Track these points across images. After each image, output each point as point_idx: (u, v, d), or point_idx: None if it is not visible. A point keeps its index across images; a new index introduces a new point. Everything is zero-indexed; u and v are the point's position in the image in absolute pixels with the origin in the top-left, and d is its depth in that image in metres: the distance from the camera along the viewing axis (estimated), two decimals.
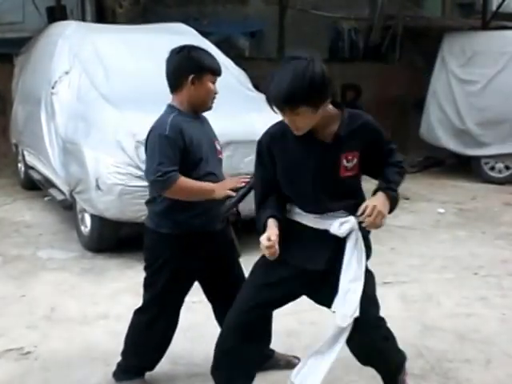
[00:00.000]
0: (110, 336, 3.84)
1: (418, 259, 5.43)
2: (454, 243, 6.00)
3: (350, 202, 2.67)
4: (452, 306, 4.43)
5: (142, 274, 3.21)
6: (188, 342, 3.73)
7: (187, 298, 3.25)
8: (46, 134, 6.37)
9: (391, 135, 3.26)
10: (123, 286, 4.68)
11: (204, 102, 3.07)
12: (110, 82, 6.00)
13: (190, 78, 2.99)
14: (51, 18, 10.09)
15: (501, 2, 11.28)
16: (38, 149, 6.78)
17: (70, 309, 4.35)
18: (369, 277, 2.74)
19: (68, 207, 6.05)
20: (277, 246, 2.59)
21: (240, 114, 5.59)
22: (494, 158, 8.91)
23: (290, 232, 2.74)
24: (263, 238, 2.61)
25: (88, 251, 5.57)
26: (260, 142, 2.79)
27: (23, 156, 7.83)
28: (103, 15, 11.19)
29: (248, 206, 3.13)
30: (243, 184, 3.00)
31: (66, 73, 6.27)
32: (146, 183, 4.69)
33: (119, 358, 3.31)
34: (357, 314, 2.62)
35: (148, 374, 3.31)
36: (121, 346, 3.29)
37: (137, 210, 4.89)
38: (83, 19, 10.81)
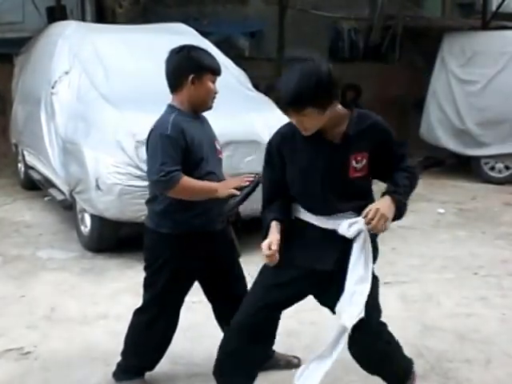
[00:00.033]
0: (110, 336, 3.84)
1: (418, 259, 5.43)
2: (453, 243, 6.00)
3: (360, 203, 2.65)
4: (452, 306, 4.43)
5: (142, 274, 3.21)
6: (188, 341, 3.73)
7: (187, 298, 3.25)
8: (45, 133, 6.37)
9: None
10: (123, 286, 4.68)
11: (204, 102, 3.07)
12: (110, 81, 6.00)
13: (190, 77, 2.99)
14: (51, 17, 10.09)
15: (501, 2, 11.27)
16: (37, 149, 6.78)
17: (70, 309, 4.35)
18: (374, 280, 2.74)
19: (68, 207, 6.04)
20: (277, 255, 2.64)
21: (240, 114, 5.59)
22: (494, 158, 8.91)
23: (300, 232, 2.75)
24: (264, 245, 2.66)
25: (88, 251, 5.57)
26: (270, 143, 2.80)
27: (23, 156, 7.83)
28: (103, 15, 11.19)
29: (248, 206, 3.14)
30: (247, 183, 3.00)
31: (66, 73, 6.27)
32: (145, 183, 4.70)
33: (119, 358, 3.31)
34: (362, 314, 2.63)
35: (148, 374, 3.31)
36: (121, 346, 3.29)
37: (137, 210, 4.89)
38: (83, 19, 10.81)
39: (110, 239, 5.58)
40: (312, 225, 2.72)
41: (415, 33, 11.62)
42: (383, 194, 2.65)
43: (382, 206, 2.57)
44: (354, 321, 2.63)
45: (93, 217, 5.43)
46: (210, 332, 3.65)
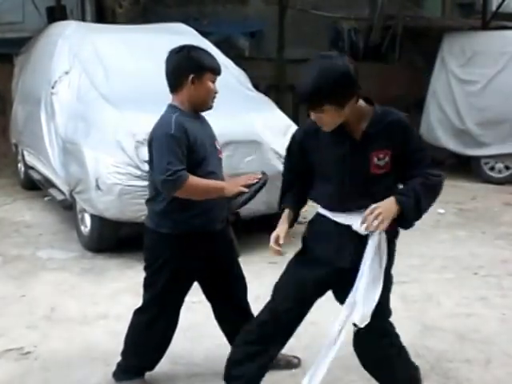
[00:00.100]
0: (110, 336, 3.84)
1: (418, 259, 5.43)
2: (454, 243, 6.00)
3: (382, 200, 2.63)
4: (452, 306, 4.43)
5: (142, 274, 3.21)
6: (188, 341, 3.74)
7: (187, 298, 3.25)
8: (45, 133, 6.37)
9: None
10: (123, 286, 4.68)
11: (204, 102, 3.07)
12: (110, 81, 6.00)
13: (190, 77, 2.99)
14: (51, 17, 10.10)
15: (501, 2, 11.28)
16: (37, 149, 6.78)
17: (70, 309, 4.35)
18: (388, 280, 2.74)
19: (68, 207, 6.04)
20: (282, 249, 2.76)
21: (240, 114, 5.59)
22: (494, 158, 8.91)
23: (322, 227, 2.78)
24: (272, 238, 2.79)
25: (88, 251, 5.57)
26: (294, 137, 2.84)
27: (23, 156, 7.83)
28: (103, 15, 11.20)
29: (248, 206, 3.14)
30: (255, 181, 3.01)
31: (66, 73, 6.27)
32: (145, 183, 4.71)
33: (119, 358, 3.31)
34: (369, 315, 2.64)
35: (148, 374, 3.31)
36: (121, 346, 3.29)
37: (136, 210, 4.89)
38: (83, 19, 10.82)
39: (110, 239, 5.58)
40: (332, 220, 2.74)
41: (415, 33, 11.63)
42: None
43: (381, 205, 2.56)
44: (366, 320, 2.64)
45: (93, 217, 5.43)
46: (210, 332, 3.66)
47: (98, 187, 5.15)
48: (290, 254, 5.77)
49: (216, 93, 3.09)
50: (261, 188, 3.03)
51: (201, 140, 3.02)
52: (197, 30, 7.27)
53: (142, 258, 3.20)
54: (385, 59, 12.03)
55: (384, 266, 2.66)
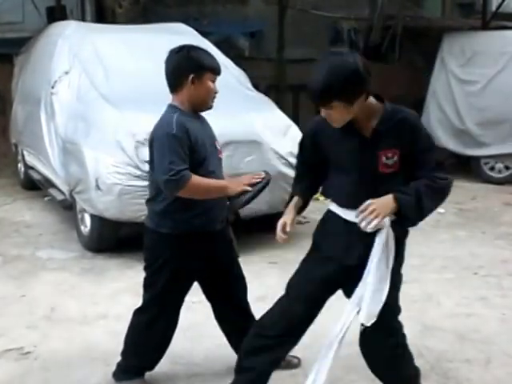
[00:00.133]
0: (109, 336, 3.84)
1: (418, 259, 5.42)
2: (453, 243, 6.00)
3: None
4: (452, 306, 4.43)
5: (142, 274, 3.21)
6: (188, 341, 3.74)
7: (187, 298, 3.25)
8: (45, 133, 6.37)
9: None
10: (123, 286, 4.68)
11: (204, 102, 3.07)
12: (110, 81, 6.00)
13: (190, 77, 2.98)
14: (51, 17, 10.10)
15: (501, 2, 11.28)
16: (37, 149, 6.78)
17: (70, 309, 4.35)
18: (397, 278, 2.75)
19: (68, 207, 6.05)
20: (286, 236, 2.83)
21: (240, 114, 5.59)
22: (494, 158, 8.90)
23: (331, 223, 2.80)
24: (279, 225, 2.85)
25: (88, 251, 5.57)
26: (306, 130, 2.87)
27: (23, 156, 7.83)
28: (103, 15, 11.20)
29: (249, 206, 3.14)
30: (259, 180, 3.01)
31: (66, 73, 6.27)
32: (145, 183, 4.71)
33: (119, 358, 3.31)
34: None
35: (148, 374, 3.31)
36: (121, 346, 3.29)
37: (136, 210, 4.89)
38: (83, 19, 10.82)
39: (110, 239, 5.58)
40: (342, 218, 2.74)
41: (415, 33, 11.62)
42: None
43: (376, 201, 2.57)
44: (373, 319, 2.65)
45: (93, 217, 5.43)
46: (210, 332, 3.66)
47: (97, 187, 5.15)
48: (289, 255, 5.78)
49: (216, 93, 3.09)
50: (264, 187, 3.04)
51: (202, 140, 3.02)
52: (197, 30, 7.27)
53: (142, 258, 3.20)
54: (385, 59, 12.02)
55: (391, 265, 2.66)
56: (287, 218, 2.86)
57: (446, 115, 9.29)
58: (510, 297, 4.64)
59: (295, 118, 6.99)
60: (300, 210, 2.94)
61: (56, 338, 3.90)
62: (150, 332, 3.19)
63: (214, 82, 3.07)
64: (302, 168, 2.96)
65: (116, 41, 6.63)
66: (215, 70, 3.07)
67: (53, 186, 6.47)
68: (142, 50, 6.26)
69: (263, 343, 2.87)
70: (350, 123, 2.61)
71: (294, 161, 5.54)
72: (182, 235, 3.04)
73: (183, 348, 3.63)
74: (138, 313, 3.25)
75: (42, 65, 6.95)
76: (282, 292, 4.75)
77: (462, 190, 8.30)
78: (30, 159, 7.36)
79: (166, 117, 3.02)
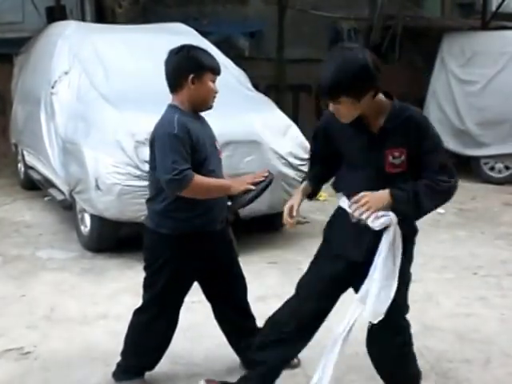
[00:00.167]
0: (109, 336, 3.84)
1: (418, 259, 5.37)
2: (453, 243, 6.01)
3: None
4: (452, 306, 4.44)
5: (142, 274, 3.21)
6: (188, 341, 3.74)
7: (187, 298, 3.25)
8: (45, 133, 6.37)
9: None
10: (123, 286, 4.68)
11: (205, 102, 3.07)
12: (110, 81, 6.01)
13: (190, 77, 2.98)
14: (51, 17, 10.09)
15: (501, 2, 11.28)
16: (37, 149, 6.79)
17: (70, 309, 4.35)
18: (406, 277, 2.77)
19: (68, 207, 6.05)
20: (293, 220, 2.84)
21: (240, 114, 5.60)
22: (494, 158, 8.91)
23: (340, 219, 2.80)
24: (286, 209, 2.85)
25: (88, 251, 5.57)
26: (319, 122, 2.89)
27: (23, 156, 7.83)
28: (103, 15, 11.18)
29: (250, 206, 3.14)
30: (262, 179, 3.02)
31: (66, 73, 6.27)
32: (145, 183, 4.71)
33: (119, 358, 3.31)
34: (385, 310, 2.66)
35: (148, 374, 3.32)
36: (121, 346, 3.29)
37: (136, 210, 4.89)
38: (83, 19, 10.81)
39: (110, 239, 5.58)
40: (347, 212, 2.75)
41: (415, 33, 11.62)
42: None
43: (370, 194, 2.58)
44: (379, 317, 2.65)
45: (93, 217, 5.43)
46: (210, 332, 3.66)
47: (97, 187, 5.16)
48: (289, 255, 5.78)
49: (216, 92, 3.09)
50: (267, 186, 3.05)
51: (202, 140, 3.02)
52: (197, 30, 7.27)
53: (142, 258, 3.20)
54: (385, 59, 12.00)
55: (398, 263, 2.66)
56: (294, 201, 2.88)
57: (445, 115, 9.29)
58: (510, 297, 4.64)
59: (295, 118, 6.99)
60: (309, 196, 2.97)
61: (56, 337, 3.90)
62: (150, 332, 3.19)
63: (214, 82, 3.07)
64: (314, 158, 3.00)
65: (116, 41, 6.63)
66: (215, 70, 3.08)
67: (53, 185, 6.47)
68: (142, 50, 6.26)
69: (275, 338, 2.88)
70: (359, 119, 2.61)
71: (293, 161, 5.56)
72: (182, 235, 3.04)
73: (183, 348, 3.63)
74: (138, 313, 3.25)
75: (42, 65, 6.95)
76: (281, 292, 4.74)
77: (461, 190, 8.22)
78: (30, 159, 7.37)
79: (166, 117, 3.02)
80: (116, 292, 4.62)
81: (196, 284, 3.26)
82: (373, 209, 2.57)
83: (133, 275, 4.69)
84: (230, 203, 3.18)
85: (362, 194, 2.58)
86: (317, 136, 2.91)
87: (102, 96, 5.78)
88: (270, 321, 2.97)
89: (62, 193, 6.09)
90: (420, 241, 6.27)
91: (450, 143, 9.20)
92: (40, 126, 6.47)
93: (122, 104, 5.56)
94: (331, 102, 2.57)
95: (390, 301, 2.65)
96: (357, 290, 2.78)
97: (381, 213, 2.61)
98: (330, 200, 7.59)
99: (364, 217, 2.58)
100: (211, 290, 3.31)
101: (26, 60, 7.97)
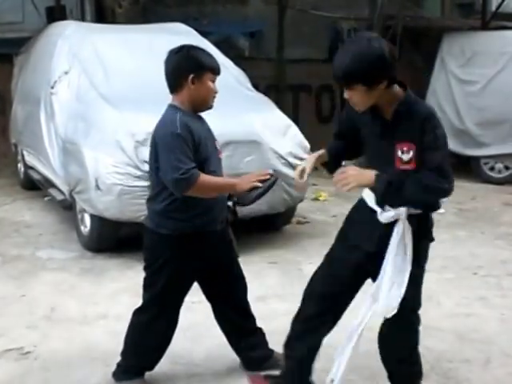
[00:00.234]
0: (109, 336, 3.84)
1: None
2: (453, 243, 6.01)
3: (402, 200, 2.63)
4: (452, 306, 4.44)
5: (142, 274, 3.21)
6: (188, 341, 3.74)
7: (187, 298, 3.25)
8: (45, 133, 6.37)
9: None
10: (123, 286, 4.68)
11: (205, 102, 3.07)
12: (110, 81, 6.01)
13: (190, 77, 2.98)
14: (50, 17, 10.10)
15: (500, 2, 11.28)
16: (37, 149, 6.79)
17: (70, 309, 4.35)
18: (417, 273, 2.76)
19: (68, 207, 6.05)
20: (303, 183, 2.86)
21: (239, 114, 5.60)
22: (494, 158, 8.92)
23: (358, 212, 2.83)
24: (297, 172, 2.86)
25: (88, 251, 5.57)
26: (346, 105, 2.89)
27: (23, 156, 7.83)
28: (103, 15, 11.19)
29: (250, 206, 3.14)
30: (268, 177, 3.02)
31: (66, 73, 6.27)
32: (145, 183, 4.72)
33: (119, 358, 3.30)
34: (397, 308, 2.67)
35: (148, 374, 3.31)
36: (121, 346, 3.29)
37: (136, 210, 4.89)
38: (83, 19, 10.81)
39: (110, 239, 5.58)
40: (368, 206, 2.76)
41: (415, 33, 11.62)
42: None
43: (357, 170, 2.60)
44: (391, 313, 2.67)
45: (92, 217, 5.43)
46: (210, 332, 3.66)
47: (97, 187, 5.16)
48: (289, 255, 5.77)
49: (216, 92, 3.09)
50: (273, 184, 3.04)
51: (204, 140, 3.02)
52: (197, 30, 7.27)
53: (142, 258, 3.20)
54: None
55: (409, 258, 2.66)
56: (306, 164, 2.87)
57: (445, 115, 9.28)
58: (510, 297, 4.64)
59: (295, 118, 7.00)
60: (324, 165, 2.94)
61: (56, 337, 3.90)
62: (150, 332, 3.19)
63: (213, 81, 3.07)
64: (337, 135, 2.99)
65: (116, 41, 6.64)
66: (215, 70, 3.07)
67: (53, 186, 6.47)
68: (142, 50, 6.26)
69: (303, 328, 2.91)
70: (373, 108, 2.63)
71: (293, 161, 5.56)
72: (182, 236, 3.04)
73: (183, 348, 3.63)
74: (137, 313, 3.25)
75: (42, 65, 6.95)
76: (281, 292, 4.76)
77: (461, 190, 8.30)
78: (30, 159, 7.37)
79: (168, 116, 3.02)
80: (116, 292, 4.62)
81: (196, 284, 3.26)
82: (353, 184, 2.58)
83: (133, 275, 4.69)
84: (230, 203, 3.19)
85: (350, 167, 2.61)
86: (341, 118, 2.93)
87: (102, 96, 5.79)
88: (296, 317, 2.99)
89: (62, 193, 6.09)
90: None
91: (450, 143, 9.02)
92: (40, 126, 6.47)
93: (121, 104, 5.56)
94: (345, 89, 2.59)
95: (401, 296, 2.66)
96: (374, 280, 2.80)
97: (388, 207, 2.64)
98: (330, 200, 7.59)
99: (343, 189, 2.59)
100: (211, 290, 3.31)
101: (25, 60, 7.98)
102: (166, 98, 3.12)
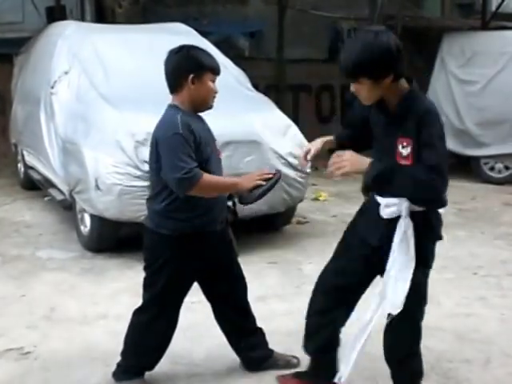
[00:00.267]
0: (109, 336, 3.84)
1: None
2: (453, 243, 6.00)
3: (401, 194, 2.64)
4: (452, 306, 4.44)
5: (142, 274, 3.21)
6: (188, 341, 3.74)
7: (187, 298, 3.25)
8: (45, 133, 6.37)
9: None
10: (123, 286, 4.68)
11: (205, 102, 3.07)
12: (110, 81, 6.01)
13: (190, 77, 2.98)
14: (50, 17, 10.11)
15: (500, 2, 11.29)
16: (37, 149, 6.79)
17: (70, 309, 4.35)
18: (426, 269, 2.82)
19: (68, 207, 6.05)
20: (308, 162, 2.95)
21: (239, 114, 5.60)
22: (494, 158, 8.92)
23: (367, 205, 2.85)
24: (303, 151, 2.94)
25: (88, 251, 5.57)
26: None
27: (23, 156, 7.83)
28: (103, 15, 11.19)
29: (250, 206, 3.14)
30: (271, 175, 3.03)
31: (66, 73, 6.27)
32: (145, 183, 4.72)
33: (119, 358, 3.30)
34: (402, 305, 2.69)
35: (148, 374, 3.31)
36: (121, 346, 3.29)
37: (136, 210, 4.89)
38: (82, 19, 10.82)
39: (110, 239, 5.58)
40: (375, 200, 2.77)
41: (415, 33, 11.63)
42: None
43: (353, 155, 2.61)
44: (397, 310, 2.68)
45: (92, 217, 5.43)
46: (210, 332, 3.66)
47: (97, 187, 5.16)
48: (289, 255, 5.77)
49: (216, 92, 3.09)
50: (276, 182, 3.05)
51: (204, 139, 3.02)
52: (197, 30, 7.27)
53: (142, 258, 3.20)
54: None
55: (412, 255, 2.67)
56: (313, 145, 2.92)
57: (445, 115, 9.28)
58: (510, 297, 4.64)
59: (295, 118, 7.00)
60: (331, 148, 2.94)
61: (56, 337, 3.90)
62: (150, 332, 3.19)
63: (213, 81, 3.07)
64: (348, 123, 3.04)
65: (116, 41, 6.64)
66: (215, 70, 3.08)
67: (53, 185, 6.47)
68: (142, 50, 6.26)
69: (318, 322, 2.95)
70: (380, 102, 2.64)
71: (293, 161, 5.56)
72: (182, 236, 3.04)
73: (183, 348, 3.63)
74: (137, 313, 3.25)
75: (42, 65, 6.95)
76: (281, 292, 4.76)
77: (461, 190, 8.31)
78: (30, 159, 7.37)
79: (168, 116, 3.02)
80: (116, 292, 4.62)
81: (196, 284, 3.26)
82: (346, 169, 2.59)
83: (133, 275, 4.69)
84: (229, 204, 3.19)
85: (347, 152, 2.62)
86: (354, 106, 2.99)
87: (102, 96, 5.78)
88: (308, 312, 3.03)
89: (62, 193, 6.09)
90: None
91: (450, 143, 9.17)
92: (40, 126, 6.47)
93: (121, 104, 5.56)
94: (352, 82, 2.60)
95: (405, 292, 2.66)
96: (381, 275, 2.82)
97: (391, 201, 2.64)
98: (330, 200, 7.60)
99: (337, 173, 2.60)
100: (211, 290, 3.31)
101: (25, 60, 7.98)
102: (166, 98, 3.12)
